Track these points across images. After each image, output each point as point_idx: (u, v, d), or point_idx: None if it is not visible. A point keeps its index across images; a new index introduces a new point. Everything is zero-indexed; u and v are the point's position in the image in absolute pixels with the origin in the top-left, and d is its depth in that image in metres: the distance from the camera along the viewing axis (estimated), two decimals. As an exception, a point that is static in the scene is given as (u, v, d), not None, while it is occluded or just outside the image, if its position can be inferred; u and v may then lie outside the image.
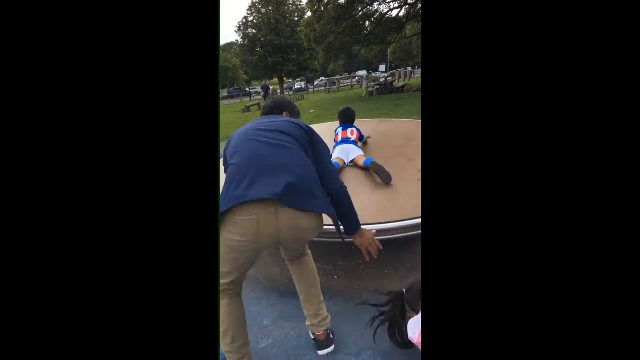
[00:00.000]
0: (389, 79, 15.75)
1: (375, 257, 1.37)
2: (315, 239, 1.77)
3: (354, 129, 2.76)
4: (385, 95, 12.69)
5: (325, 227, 1.73)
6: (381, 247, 1.37)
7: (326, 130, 3.87)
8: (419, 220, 1.71)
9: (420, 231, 1.72)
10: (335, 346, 1.49)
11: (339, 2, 12.80)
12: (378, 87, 14.13)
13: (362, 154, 2.54)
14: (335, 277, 1.99)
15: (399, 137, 3.06)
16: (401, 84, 14.83)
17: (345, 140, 2.67)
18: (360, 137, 2.77)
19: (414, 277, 1.94)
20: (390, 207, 1.84)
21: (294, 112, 1.54)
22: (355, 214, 1.30)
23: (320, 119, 8.35)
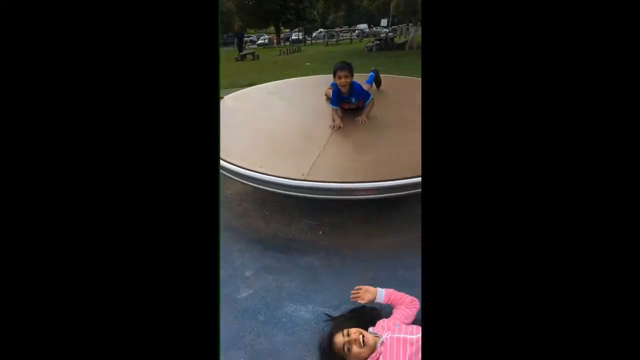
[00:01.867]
0: (390, 34, 15.11)
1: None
2: (303, 195, 1.74)
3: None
4: (385, 52, 12.22)
5: (313, 182, 1.69)
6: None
7: (315, 82, 3.71)
8: (411, 181, 1.67)
9: (411, 191, 1.70)
10: (316, 298, 1.50)
11: (343, -56, 11.85)
12: (378, 42, 13.55)
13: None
14: (321, 232, 1.98)
15: (400, 93, 2.94)
16: (402, 40, 14.27)
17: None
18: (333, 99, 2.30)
19: (399, 235, 1.94)
20: (381, 166, 1.79)
21: None
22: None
23: (317, 73, 8.03)
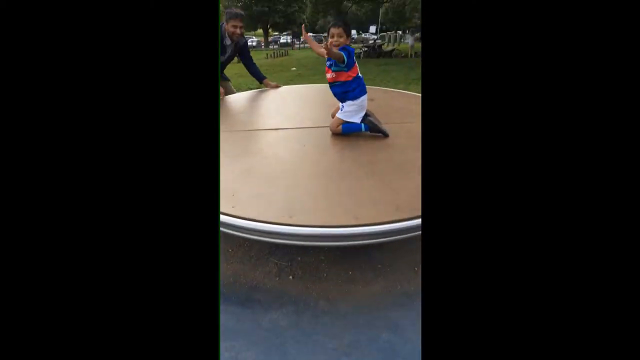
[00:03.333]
0: (378, 41, 15.00)
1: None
2: (292, 242, 1.40)
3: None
4: (372, 59, 12.02)
5: (282, 226, 1.37)
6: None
7: (303, 91, 3.40)
8: (400, 225, 1.37)
9: (396, 237, 1.40)
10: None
11: (333, -51, 11.72)
12: (366, 49, 13.37)
13: (342, 112, 1.99)
14: (290, 277, 1.66)
15: (397, 108, 2.65)
16: (390, 48, 14.13)
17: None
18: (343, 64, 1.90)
19: (382, 282, 1.65)
20: (370, 207, 1.49)
21: None
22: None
23: (302, 79, 7.73)
